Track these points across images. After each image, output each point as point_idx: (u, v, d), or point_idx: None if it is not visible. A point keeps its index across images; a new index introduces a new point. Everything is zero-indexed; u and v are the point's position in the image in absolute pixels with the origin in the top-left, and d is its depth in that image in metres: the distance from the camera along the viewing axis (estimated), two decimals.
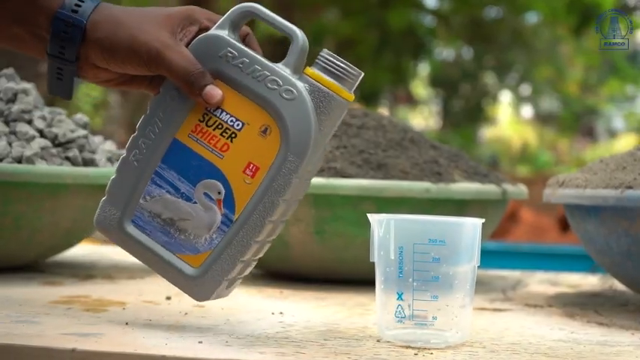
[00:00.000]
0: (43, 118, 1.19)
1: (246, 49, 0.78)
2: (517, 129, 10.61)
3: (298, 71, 0.78)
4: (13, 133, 1.15)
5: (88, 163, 1.18)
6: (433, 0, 6.97)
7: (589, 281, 1.37)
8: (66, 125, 1.20)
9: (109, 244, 1.63)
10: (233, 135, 0.78)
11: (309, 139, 0.76)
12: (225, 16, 0.79)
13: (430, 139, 1.31)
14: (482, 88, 7.98)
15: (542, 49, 7.41)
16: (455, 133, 7.59)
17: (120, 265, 1.34)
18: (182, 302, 0.96)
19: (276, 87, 0.77)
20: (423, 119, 9.73)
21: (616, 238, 1.00)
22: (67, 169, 1.12)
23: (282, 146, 0.76)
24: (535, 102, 9.36)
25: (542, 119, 10.02)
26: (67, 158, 1.16)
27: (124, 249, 0.81)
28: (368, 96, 6.47)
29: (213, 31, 0.79)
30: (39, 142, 1.14)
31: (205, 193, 0.78)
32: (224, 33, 0.78)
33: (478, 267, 0.79)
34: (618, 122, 10.15)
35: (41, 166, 1.11)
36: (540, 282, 1.35)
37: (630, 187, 0.96)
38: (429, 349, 0.76)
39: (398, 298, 0.77)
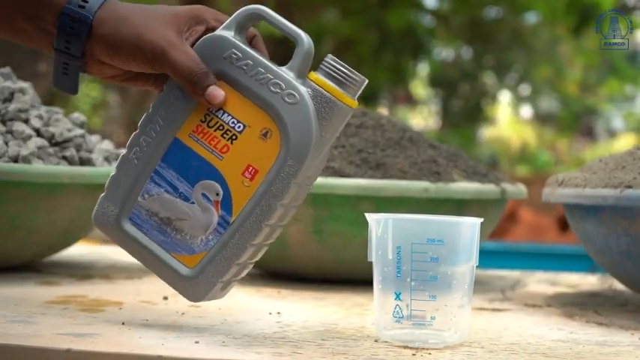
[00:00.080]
0: (40, 117, 1.18)
1: (250, 51, 0.78)
2: (516, 129, 10.61)
3: (302, 75, 0.77)
4: (10, 132, 1.14)
5: (85, 162, 1.18)
6: (432, 0, 6.97)
7: (588, 281, 1.37)
8: (63, 124, 1.19)
9: (108, 243, 1.63)
10: (234, 137, 0.77)
11: (310, 144, 0.76)
12: (232, 17, 0.79)
13: (429, 138, 1.31)
14: (482, 88, 7.97)
15: (541, 49, 7.41)
16: (454, 133, 7.58)
17: (118, 265, 1.34)
18: (179, 302, 0.96)
19: (278, 90, 0.76)
20: (423, 119, 9.73)
21: (615, 238, 0.99)
22: (64, 168, 1.12)
23: (282, 150, 0.76)
24: (534, 102, 9.36)
25: (541, 119, 10.03)
26: (64, 158, 1.16)
27: (121, 246, 0.81)
28: (367, 96, 6.47)
29: (219, 31, 0.79)
30: (36, 142, 1.14)
31: (203, 194, 0.78)
32: (230, 34, 0.78)
33: (477, 267, 0.79)
34: (617, 122, 10.15)
35: (38, 166, 1.10)
36: (539, 282, 1.35)
37: (630, 187, 0.96)
38: (427, 349, 0.76)
39: (396, 298, 0.77)
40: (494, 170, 1.37)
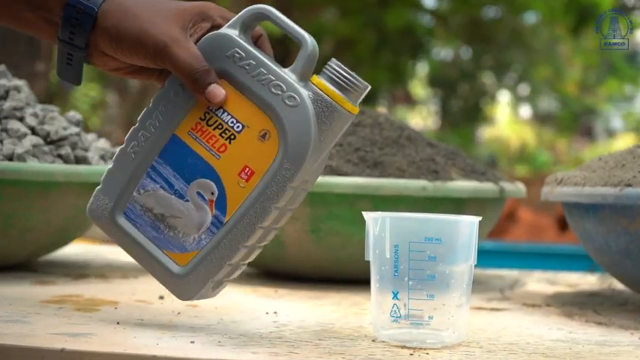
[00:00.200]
0: (35, 115, 1.18)
1: (254, 51, 0.77)
2: (515, 129, 10.63)
3: (304, 78, 0.77)
4: (5, 130, 1.14)
5: (81, 160, 1.17)
6: (431, 0, 6.98)
7: (587, 280, 1.36)
8: (58, 123, 1.18)
9: (108, 243, 1.62)
10: (232, 136, 0.77)
11: (307, 148, 0.75)
12: (237, 16, 0.79)
13: (427, 137, 1.30)
14: (481, 88, 7.98)
15: (540, 49, 7.41)
16: (453, 133, 7.59)
17: (114, 264, 1.33)
18: (175, 302, 0.95)
19: (279, 92, 0.76)
20: (422, 119, 9.73)
21: (615, 237, 0.99)
22: (59, 166, 1.11)
23: (280, 153, 0.76)
24: (533, 102, 9.37)
25: (540, 119, 10.04)
26: (59, 156, 1.15)
27: (113, 240, 0.81)
28: (366, 96, 6.45)
29: (223, 30, 0.78)
30: (31, 140, 1.13)
31: (198, 193, 0.78)
32: (234, 33, 0.78)
33: (475, 266, 0.78)
34: (617, 122, 10.16)
35: (33, 164, 1.10)
36: (538, 281, 1.34)
37: (629, 185, 0.95)
38: (424, 349, 0.75)
39: (393, 298, 0.76)
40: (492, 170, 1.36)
